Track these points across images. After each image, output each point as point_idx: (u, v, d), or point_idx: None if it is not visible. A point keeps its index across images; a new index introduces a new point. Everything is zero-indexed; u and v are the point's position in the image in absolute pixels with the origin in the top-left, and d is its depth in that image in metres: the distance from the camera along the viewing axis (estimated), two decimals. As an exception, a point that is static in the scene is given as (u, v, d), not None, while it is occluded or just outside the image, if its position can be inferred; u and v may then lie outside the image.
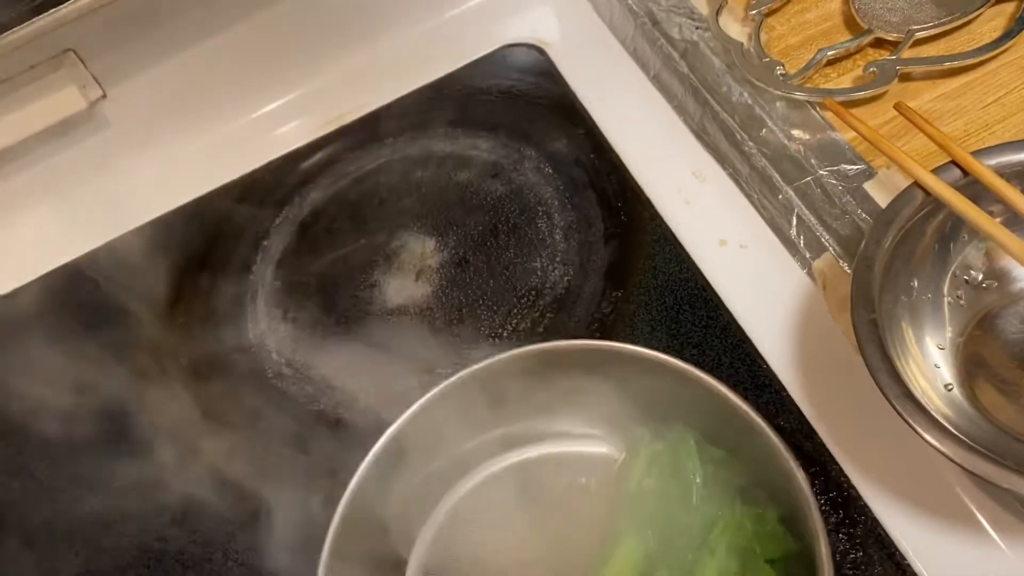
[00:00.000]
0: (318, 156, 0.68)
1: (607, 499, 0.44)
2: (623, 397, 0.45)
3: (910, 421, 0.38)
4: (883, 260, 0.43)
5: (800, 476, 0.38)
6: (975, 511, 0.43)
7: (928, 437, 0.37)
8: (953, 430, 0.38)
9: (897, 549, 0.43)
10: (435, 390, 0.45)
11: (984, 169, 0.43)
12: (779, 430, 0.41)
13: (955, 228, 0.45)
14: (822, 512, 0.40)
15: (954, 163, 0.44)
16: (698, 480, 0.42)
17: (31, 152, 0.67)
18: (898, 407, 0.38)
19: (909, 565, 0.43)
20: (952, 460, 0.37)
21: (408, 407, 0.45)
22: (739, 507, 0.41)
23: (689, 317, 0.53)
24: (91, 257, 0.66)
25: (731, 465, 0.42)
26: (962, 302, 0.45)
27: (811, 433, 0.47)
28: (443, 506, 0.46)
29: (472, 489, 0.47)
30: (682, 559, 0.41)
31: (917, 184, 0.44)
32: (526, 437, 0.47)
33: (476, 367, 0.45)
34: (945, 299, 0.45)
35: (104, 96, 0.66)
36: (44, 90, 0.64)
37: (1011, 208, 0.42)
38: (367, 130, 0.68)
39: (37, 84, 0.63)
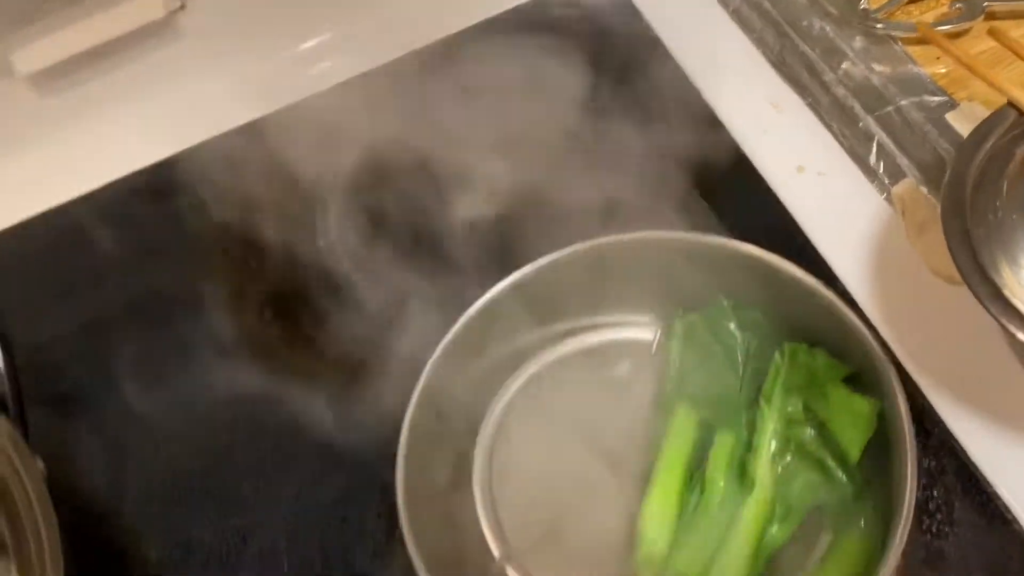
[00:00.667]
0: (383, 80, 0.68)
1: (655, 378, 0.46)
2: (671, 283, 0.46)
3: (1001, 320, 0.39)
4: (973, 177, 0.44)
5: (864, 330, 0.40)
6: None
7: (1019, 333, 0.38)
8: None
9: (970, 458, 0.44)
10: (500, 285, 0.46)
11: (1080, 91, 0.44)
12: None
13: (1046, 149, 0.45)
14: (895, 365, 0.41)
15: (1048, 87, 0.45)
16: (739, 338, 0.43)
17: (108, 58, 0.68)
18: (990, 308, 0.39)
19: (983, 474, 0.43)
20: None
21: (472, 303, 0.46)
22: (787, 348, 0.42)
23: (765, 240, 0.52)
24: (163, 166, 0.67)
25: (773, 321, 0.44)
26: (1047, 224, 0.46)
27: (887, 349, 0.48)
28: (500, 399, 0.48)
29: (523, 384, 0.48)
30: (739, 417, 0.42)
31: (1011, 104, 0.45)
32: (575, 329, 0.48)
33: (540, 263, 0.46)
34: (1030, 219, 0.46)
35: (183, 7, 0.67)
36: (125, -4, 0.65)
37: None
38: (422, 64, 0.68)
39: (119, -11, 0.64)
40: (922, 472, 0.44)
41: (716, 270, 0.45)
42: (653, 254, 0.46)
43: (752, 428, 0.42)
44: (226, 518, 0.52)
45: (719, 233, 0.53)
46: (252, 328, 0.58)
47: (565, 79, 0.63)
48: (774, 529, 0.40)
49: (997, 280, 0.42)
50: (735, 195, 0.55)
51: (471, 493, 0.44)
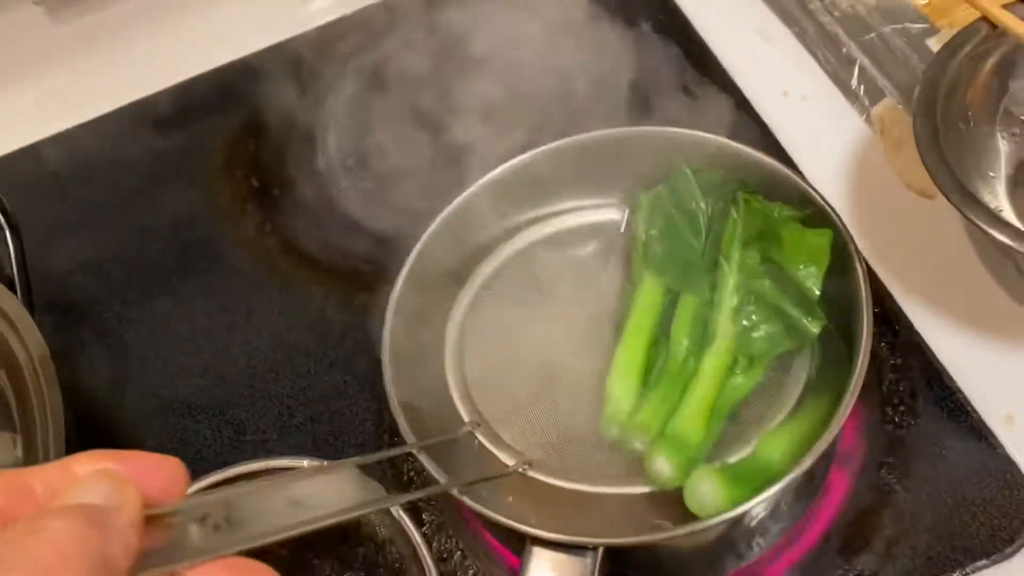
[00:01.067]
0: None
1: (625, 256, 0.47)
2: (644, 171, 0.48)
3: (964, 211, 0.40)
4: (945, 85, 0.45)
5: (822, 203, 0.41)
6: (1014, 322, 0.46)
7: (980, 222, 0.40)
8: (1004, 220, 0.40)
9: (935, 356, 0.46)
10: (485, 178, 0.48)
11: (1051, 5, 0.45)
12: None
13: (1015, 62, 0.47)
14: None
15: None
16: (702, 205, 0.44)
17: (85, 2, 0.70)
18: (954, 200, 0.41)
19: (946, 370, 0.45)
20: (1005, 243, 0.39)
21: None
22: (741, 197, 0.43)
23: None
24: (160, 96, 0.69)
25: (735, 183, 0.44)
26: (1017, 136, 0.47)
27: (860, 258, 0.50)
28: (474, 282, 0.49)
29: (495, 268, 0.49)
30: (702, 280, 0.43)
31: (984, 18, 0.46)
32: (549, 215, 0.50)
33: (523, 157, 0.48)
34: (1000, 131, 0.47)
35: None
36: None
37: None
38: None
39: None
40: (888, 369, 0.46)
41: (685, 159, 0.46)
42: (629, 148, 0.47)
43: (715, 288, 0.43)
44: (223, 412, 0.54)
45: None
46: (253, 239, 0.61)
47: (559, 5, 0.66)
48: (738, 379, 0.41)
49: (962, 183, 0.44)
50: (722, 119, 0.57)
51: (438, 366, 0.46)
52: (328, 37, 0.69)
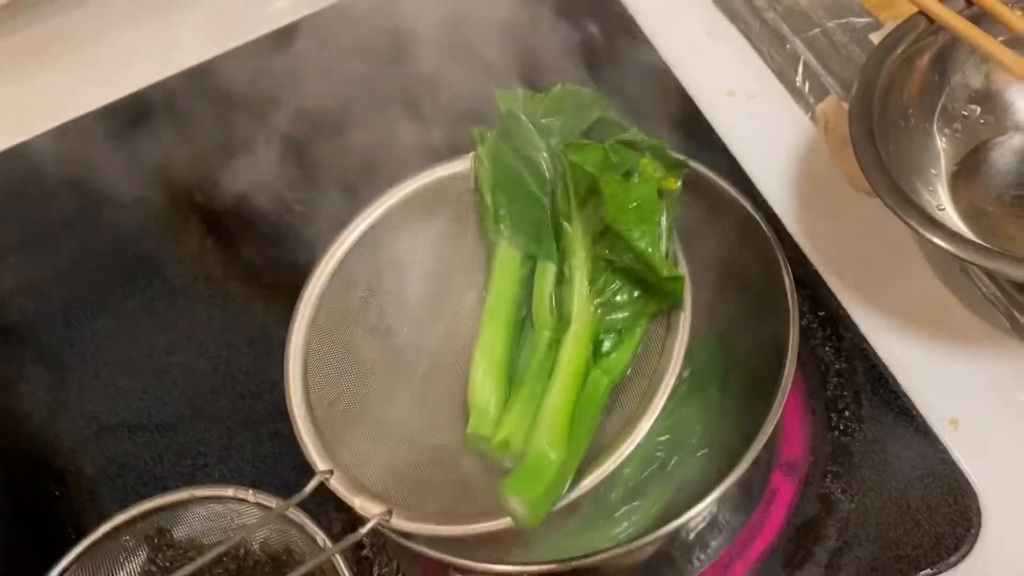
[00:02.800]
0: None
1: (475, 213, 0.41)
2: None
3: (899, 212, 0.39)
4: (882, 83, 0.44)
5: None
6: (957, 326, 0.44)
7: (914, 224, 0.39)
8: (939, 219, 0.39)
9: (880, 360, 0.44)
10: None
11: (988, -3, 0.44)
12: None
13: (952, 57, 0.46)
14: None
15: (959, -5, 0.46)
16: (542, 147, 0.38)
17: (27, 13, 0.68)
18: (888, 200, 0.40)
19: (891, 374, 0.44)
20: (938, 244, 0.38)
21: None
22: (569, 148, 0.37)
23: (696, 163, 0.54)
24: (103, 111, 0.67)
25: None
26: (958, 133, 0.46)
27: (805, 262, 0.49)
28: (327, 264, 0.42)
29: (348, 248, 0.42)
30: (552, 243, 0.38)
31: (921, 13, 0.45)
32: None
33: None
34: (940, 128, 0.46)
35: (134, -54, 0.67)
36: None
37: (1007, 27, 0.43)
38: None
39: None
40: (833, 374, 0.45)
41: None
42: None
43: (565, 255, 0.37)
44: (163, 435, 0.53)
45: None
46: (195, 255, 0.60)
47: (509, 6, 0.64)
48: (612, 357, 0.36)
49: (901, 182, 0.43)
50: (668, 119, 0.56)
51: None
52: (271, 47, 0.68)
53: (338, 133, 0.60)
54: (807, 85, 0.53)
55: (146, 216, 0.62)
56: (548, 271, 0.39)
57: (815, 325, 0.47)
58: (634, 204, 0.36)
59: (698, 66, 0.57)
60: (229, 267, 0.59)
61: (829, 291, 0.47)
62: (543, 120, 0.39)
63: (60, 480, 0.53)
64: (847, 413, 0.44)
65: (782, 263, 0.39)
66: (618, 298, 0.36)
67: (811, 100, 0.53)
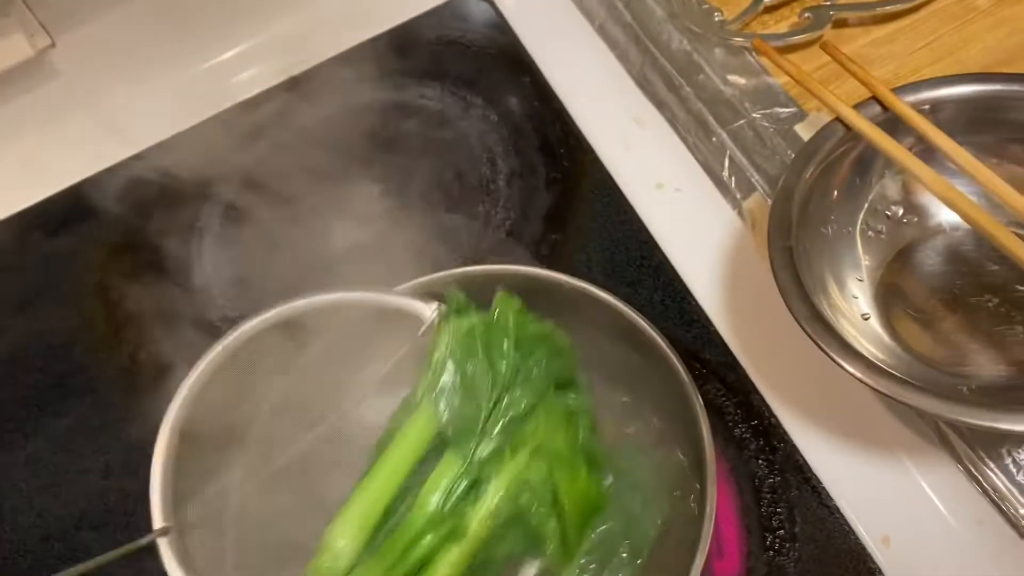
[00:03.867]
0: (269, 106, 0.68)
1: (414, 362, 0.42)
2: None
3: (818, 341, 0.39)
4: (802, 192, 0.44)
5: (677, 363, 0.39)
6: (890, 440, 0.44)
7: (833, 354, 0.38)
8: (861, 350, 0.39)
9: (813, 473, 0.44)
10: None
11: (901, 103, 0.44)
12: (704, 363, 0.42)
13: (872, 162, 0.46)
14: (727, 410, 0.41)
15: (875, 99, 0.45)
16: (508, 360, 0.40)
17: None
18: (807, 328, 0.39)
19: (824, 488, 0.44)
20: (856, 376, 0.38)
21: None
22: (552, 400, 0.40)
23: (624, 257, 0.54)
24: (40, 208, 0.66)
25: (570, 348, 0.41)
26: (882, 235, 0.46)
27: (735, 365, 0.48)
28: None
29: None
30: (471, 444, 0.39)
31: (838, 119, 0.45)
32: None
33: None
34: (863, 232, 0.46)
35: (53, 45, 0.66)
36: (-9, 37, 0.64)
37: (924, 139, 0.43)
38: (318, 80, 0.69)
39: (-16, 30, 0.64)
40: (767, 488, 0.45)
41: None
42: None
43: (482, 465, 0.39)
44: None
45: (577, 251, 0.54)
46: (126, 369, 0.58)
47: (430, 93, 0.64)
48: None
49: (825, 297, 0.43)
50: (597, 212, 0.56)
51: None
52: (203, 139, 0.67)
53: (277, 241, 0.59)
54: (733, 180, 0.52)
55: (78, 324, 0.62)
56: (454, 463, 0.39)
57: (748, 435, 0.46)
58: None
59: (626, 156, 0.57)
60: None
61: (761, 398, 0.47)
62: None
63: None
64: (781, 531, 0.43)
65: (696, 408, 0.38)
66: (503, 538, 0.38)
67: (738, 195, 0.52)
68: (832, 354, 0.38)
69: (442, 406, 0.39)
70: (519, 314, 0.41)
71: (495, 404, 0.39)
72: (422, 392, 0.40)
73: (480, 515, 0.37)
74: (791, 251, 0.42)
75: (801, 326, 0.39)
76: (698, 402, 0.39)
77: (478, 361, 0.39)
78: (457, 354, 0.40)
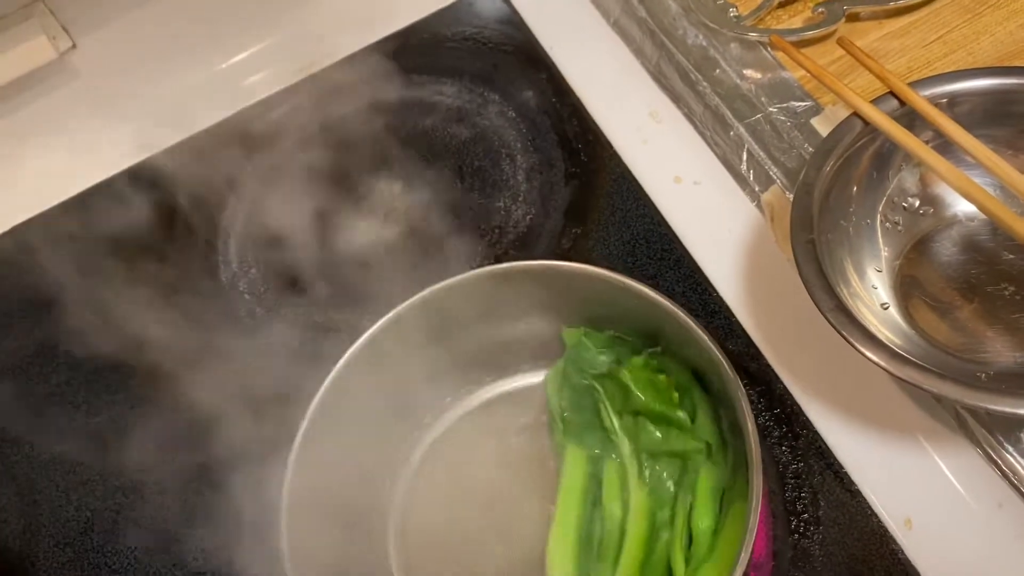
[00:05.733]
0: (287, 105, 0.69)
1: (544, 425, 0.48)
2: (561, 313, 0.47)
3: (841, 331, 0.40)
4: (823, 186, 0.45)
5: (725, 362, 0.41)
6: (909, 425, 0.45)
7: (857, 344, 0.39)
8: (882, 339, 0.40)
9: (836, 459, 0.45)
10: (384, 319, 0.46)
11: (918, 98, 0.45)
12: (727, 353, 0.43)
13: (890, 155, 0.47)
14: (750, 398, 0.43)
15: (892, 94, 0.46)
16: (601, 366, 0.45)
17: (3, 102, 0.68)
18: (831, 319, 0.40)
19: (847, 473, 0.45)
20: (879, 365, 0.39)
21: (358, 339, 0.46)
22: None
23: (645, 251, 0.55)
24: (63, 208, 0.67)
25: (627, 337, 0.46)
26: (900, 227, 0.47)
27: (757, 355, 0.49)
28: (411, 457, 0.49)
29: (431, 442, 0.49)
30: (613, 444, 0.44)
31: (856, 114, 0.46)
32: (473, 375, 0.50)
33: (425, 292, 0.46)
34: (882, 224, 0.47)
35: (74, 46, 0.67)
36: (13, 40, 0.65)
37: (941, 133, 0.44)
38: (336, 79, 0.69)
39: (6, 34, 0.64)
40: (790, 474, 0.46)
41: (576, 291, 0.46)
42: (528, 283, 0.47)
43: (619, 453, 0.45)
44: (151, 555, 0.53)
45: (597, 245, 0.56)
46: (153, 371, 0.59)
47: (447, 90, 0.65)
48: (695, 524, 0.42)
49: (846, 287, 0.44)
50: (616, 207, 0.57)
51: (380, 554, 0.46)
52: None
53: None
54: (751, 173, 0.54)
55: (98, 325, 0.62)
56: (613, 467, 0.45)
57: (771, 423, 0.47)
58: (657, 392, 0.44)
59: (644, 151, 0.58)
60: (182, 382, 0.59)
61: (784, 387, 0.48)
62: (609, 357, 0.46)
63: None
64: (805, 515, 0.45)
65: (741, 399, 0.40)
66: (664, 481, 0.43)
67: (756, 188, 0.53)
68: (856, 344, 0.40)
69: (579, 436, 0.46)
70: (587, 335, 0.46)
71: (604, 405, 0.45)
72: (559, 438, 0.46)
73: (631, 479, 0.43)
74: (814, 244, 0.43)
75: (826, 317, 0.41)
76: (741, 394, 0.40)
77: (583, 383, 0.46)
78: (565, 393, 0.46)
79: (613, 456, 0.45)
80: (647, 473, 0.43)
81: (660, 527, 0.44)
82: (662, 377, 0.44)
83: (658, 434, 0.43)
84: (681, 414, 0.43)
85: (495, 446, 0.49)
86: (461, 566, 0.46)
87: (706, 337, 0.41)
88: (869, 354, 0.39)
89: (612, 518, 0.44)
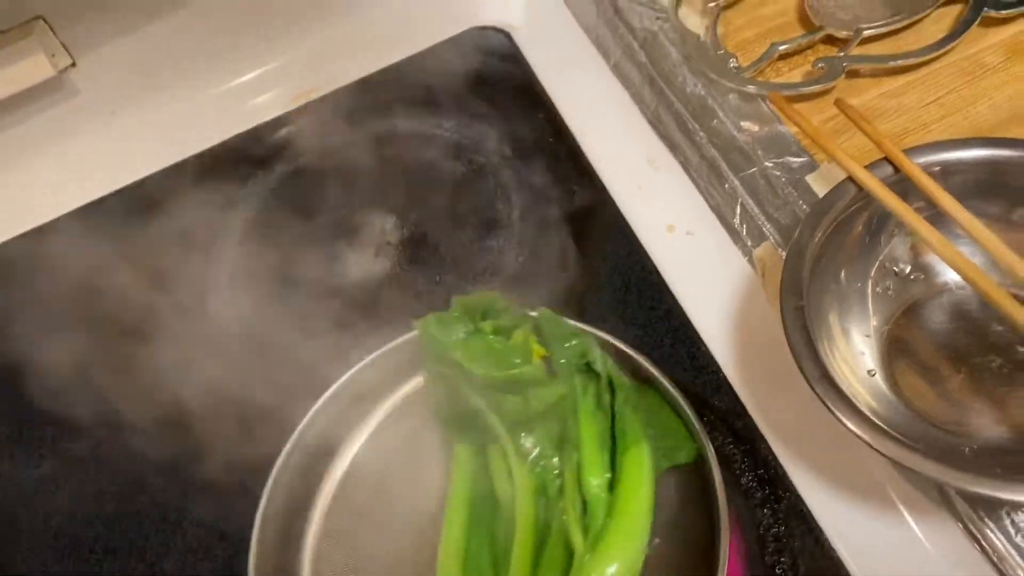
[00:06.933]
0: (286, 130, 0.69)
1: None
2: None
3: (826, 402, 0.40)
4: (814, 250, 0.45)
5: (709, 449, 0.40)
6: (892, 494, 0.45)
7: (842, 417, 0.39)
8: (867, 412, 0.40)
9: (817, 523, 0.45)
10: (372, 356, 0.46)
11: (913, 166, 0.45)
12: (713, 409, 0.43)
13: (883, 222, 0.47)
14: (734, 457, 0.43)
15: (887, 159, 0.46)
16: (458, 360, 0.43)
17: (2, 118, 0.68)
18: (816, 389, 0.40)
19: (827, 539, 0.45)
20: (862, 439, 0.39)
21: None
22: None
23: (635, 299, 0.55)
24: (57, 225, 0.67)
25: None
26: (890, 292, 0.47)
27: (743, 413, 0.49)
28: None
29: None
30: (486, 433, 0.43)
31: (851, 178, 0.46)
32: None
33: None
34: (872, 289, 0.47)
35: (73, 64, 0.66)
36: (12, 57, 0.64)
37: (934, 204, 0.44)
38: (335, 106, 0.69)
39: (5, 51, 0.64)
40: (771, 536, 0.46)
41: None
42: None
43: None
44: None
45: (589, 291, 0.56)
46: (134, 399, 0.59)
47: (445, 124, 0.65)
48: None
49: (834, 351, 0.44)
50: (608, 252, 0.57)
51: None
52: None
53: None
54: (745, 227, 0.53)
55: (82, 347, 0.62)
56: (497, 453, 0.42)
57: (754, 484, 0.47)
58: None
59: (639, 197, 0.58)
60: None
61: (768, 447, 0.48)
62: (461, 334, 0.43)
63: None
64: (784, 581, 0.45)
65: (711, 463, 0.40)
66: (545, 443, 0.41)
67: (749, 243, 0.53)
68: (841, 417, 0.39)
69: (454, 424, 0.43)
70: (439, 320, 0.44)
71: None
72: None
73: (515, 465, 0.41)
74: (803, 311, 0.43)
75: (812, 388, 0.41)
76: (711, 455, 0.40)
77: (445, 375, 0.43)
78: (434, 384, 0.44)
79: (497, 441, 0.42)
80: (526, 445, 0.41)
81: (552, 500, 0.40)
82: (499, 338, 0.41)
83: (515, 399, 0.40)
84: (530, 369, 0.40)
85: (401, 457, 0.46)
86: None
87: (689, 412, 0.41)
88: (853, 427, 0.39)
89: (507, 507, 0.41)
